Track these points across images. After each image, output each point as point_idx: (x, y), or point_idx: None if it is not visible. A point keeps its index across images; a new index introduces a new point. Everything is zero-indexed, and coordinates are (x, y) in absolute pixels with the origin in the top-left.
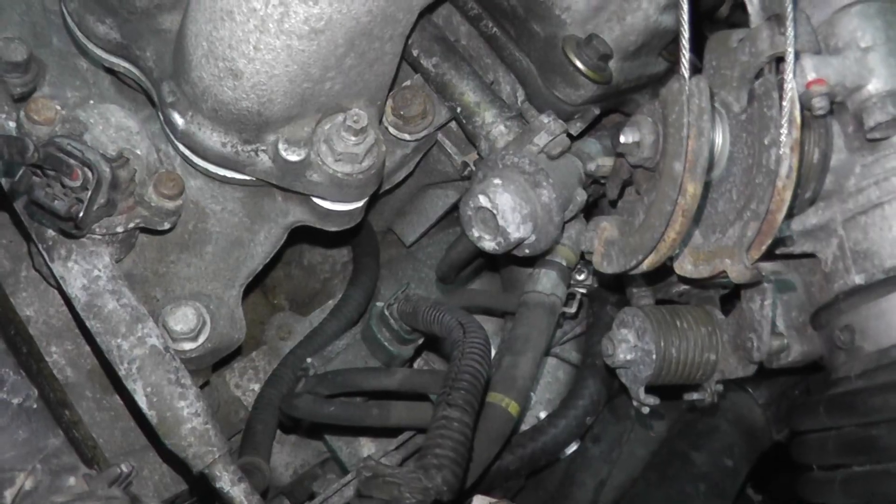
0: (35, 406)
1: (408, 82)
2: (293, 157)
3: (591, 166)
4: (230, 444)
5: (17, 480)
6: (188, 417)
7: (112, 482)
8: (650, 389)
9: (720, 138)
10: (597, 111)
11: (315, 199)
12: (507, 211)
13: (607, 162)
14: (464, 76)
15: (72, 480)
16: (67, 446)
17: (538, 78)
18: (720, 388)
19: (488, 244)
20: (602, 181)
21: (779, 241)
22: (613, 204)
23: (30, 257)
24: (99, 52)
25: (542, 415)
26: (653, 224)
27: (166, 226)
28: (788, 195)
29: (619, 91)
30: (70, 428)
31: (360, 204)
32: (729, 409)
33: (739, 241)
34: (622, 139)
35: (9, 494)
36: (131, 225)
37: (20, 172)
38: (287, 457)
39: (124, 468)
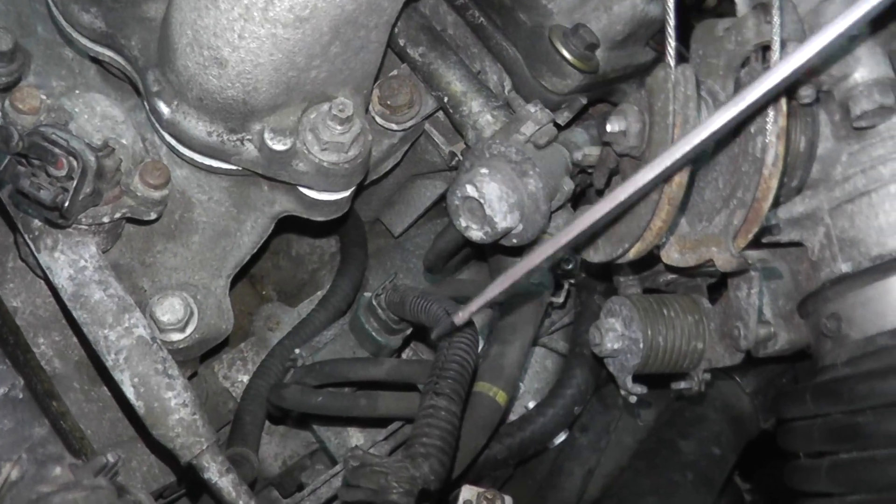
0: (21, 396)
1: (394, 72)
2: (279, 146)
3: (578, 155)
4: (218, 435)
5: (3, 470)
6: (175, 408)
7: (98, 472)
8: (637, 378)
9: None
10: (584, 100)
11: (301, 189)
12: (494, 200)
13: (594, 151)
14: (450, 66)
15: (58, 470)
16: (53, 436)
17: (525, 67)
18: (707, 376)
19: (476, 234)
20: (589, 170)
21: (765, 230)
22: (600, 193)
23: (16, 248)
24: (84, 41)
25: (531, 404)
26: (639, 212)
27: (152, 216)
28: (775, 183)
29: (606, 80)
30: (58, 419)
31: (346, 193)
32: (716, 398)
33: (726, 230)
34: (608, 128)
35: None
36: (117, 215)
37: (5, 161)
38: (276, 447)
39: (110, 458)
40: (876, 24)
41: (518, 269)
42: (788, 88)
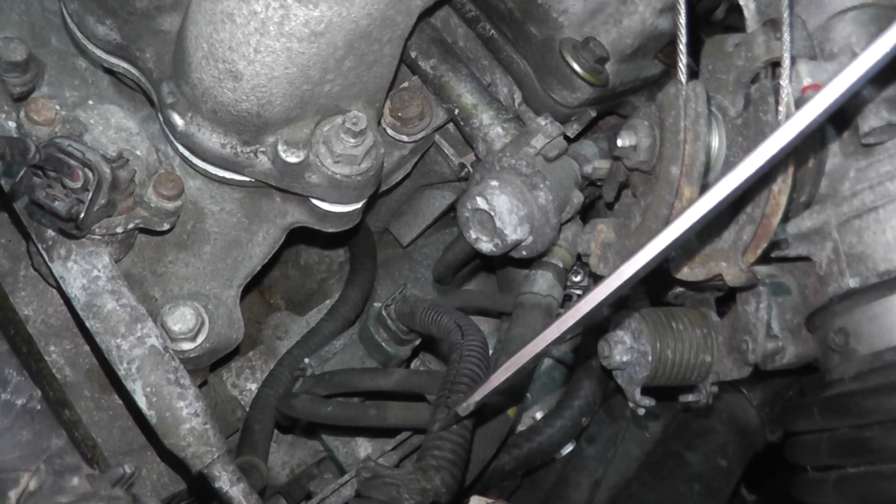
0: (38, 407)
1: (406, 84)
2: (292, 158)
3: (588, 168)
4: (229, 444)
5: (22, 481)
6: (187, 417)
7: (115, 482)
8: (646, 390)
9: (716, 142)
10: (593, 113)
11: (313, 201)
12: (504, 213)
13: (604, 164)
14: (461, 78)
15: (75, 481)
16: (70, 447)
17: (535, 80)
18: (715, 389)
19: (485, 246)
20: (598, 183)
21: (774, 245)
22: (610, 206)
23: (29, 256)
24: (99, 52)
25: (539, 415)
26: (649, 227)
27: (165, 226)
28: (784, 199)
29: (616, 93)
30: (70, 428)
31: (358, 205)
32: (723, 410)
33: (735, 245)
34: (619, 143)
35: (13, 495)
36: (131, 225)
37: (21, 173)
38: (284, 456)
39: (127, 469)
40: None
41: (523, 355)
42: (798, 104)
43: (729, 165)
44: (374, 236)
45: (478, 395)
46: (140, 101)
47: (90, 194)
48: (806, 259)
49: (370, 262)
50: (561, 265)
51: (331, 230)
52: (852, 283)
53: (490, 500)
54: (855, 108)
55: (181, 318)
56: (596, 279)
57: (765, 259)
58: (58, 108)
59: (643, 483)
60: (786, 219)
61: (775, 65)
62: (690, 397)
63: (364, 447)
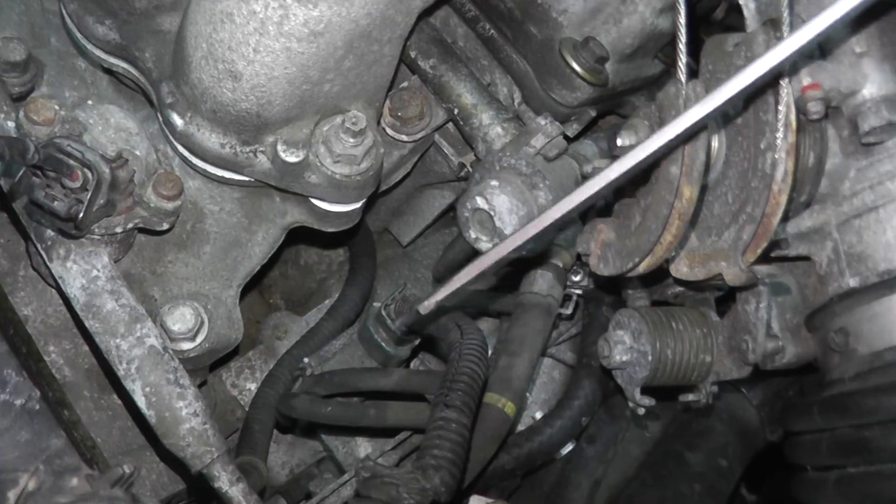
0: (37, 407)
1: (405, 84)
2: (292, 158)
3: (588, 168)
4: (228, 444)
5: (21, 481)
6: (187, 417)
7: (114, 483)
8: (646, 390)
9: (716, 142)
10: (593, 113)
11: (313, 200)
12: (503, 212)
13: (603, 164)
14: (461, 78)
15: (74, 481)
16: (70, 447)
17: (535, 80)
18: (715, 389)
19: (485, 245)
20: None
21: (774, 244)
22: (609, 206)
23: (28, 256)
24: (98, 52)
25: (538, 415)
26: (649, 227)
27: (165, 226)
28: (784, 199)
29: (616, 93)
30: (69, 428)
31: (357, 205)
32: (723, 410)
33: (735, 244)
34: (619, 142)
35: (12, 495)
36: (130, 225)
37: (20, 173)
38: (283, 456)
39: (126, 469)
40: (884, 39)
41: (487, 258)
42: (797, 104)
43: (729, 165)
44: (373, 236)
45: (440, 295)
46: (139, 101)
47: (89, 194)
48: (806, 259)
49: (370, 262)
50: (561, 265)
51: (331, 230)
52: (852, 282)
53: (490, 500)
54: (855, 107)
55: (180, 318)
56: (596, 279)
57: (765, 259)
58: (57, 108)
59: (643, 483)
60: (786, 218)
61: None
62: (690, 397)
63: (364, 447)
